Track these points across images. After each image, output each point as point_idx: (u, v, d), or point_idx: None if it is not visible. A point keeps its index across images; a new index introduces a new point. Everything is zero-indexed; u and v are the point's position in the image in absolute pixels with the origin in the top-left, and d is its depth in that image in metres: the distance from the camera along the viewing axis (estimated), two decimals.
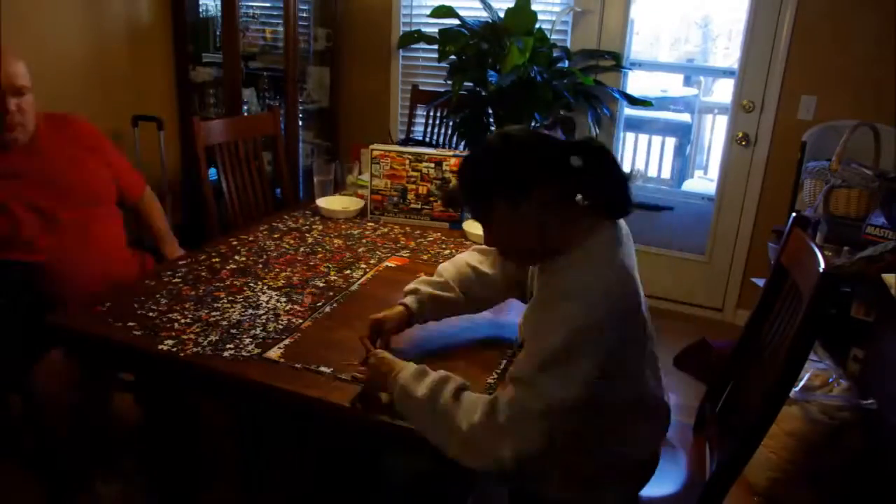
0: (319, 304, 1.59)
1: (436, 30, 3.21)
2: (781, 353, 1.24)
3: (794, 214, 1.50)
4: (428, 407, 1.16)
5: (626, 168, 1.23)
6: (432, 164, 2.13)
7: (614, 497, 1.32)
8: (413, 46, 3.51)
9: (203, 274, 1.73)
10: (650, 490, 1.39)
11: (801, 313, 1.21)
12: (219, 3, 3.21)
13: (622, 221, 1.25)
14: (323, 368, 1.31)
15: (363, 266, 1.83)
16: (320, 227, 2.14)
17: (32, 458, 1.94)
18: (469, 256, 1.52)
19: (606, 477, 1.29)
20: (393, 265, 1.85)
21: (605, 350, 1.11)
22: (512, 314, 1.58)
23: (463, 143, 3.16)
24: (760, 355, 1.45)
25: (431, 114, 3.37)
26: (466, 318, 1.54)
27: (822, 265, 1.20)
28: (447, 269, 1.50)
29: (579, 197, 1.21)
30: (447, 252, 1.98)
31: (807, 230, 1.46)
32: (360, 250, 1.96)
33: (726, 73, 3.52)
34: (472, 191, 1.24)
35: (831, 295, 1.17)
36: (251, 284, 1.68)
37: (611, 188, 1.21)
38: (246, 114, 3.29)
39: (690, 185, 4.74)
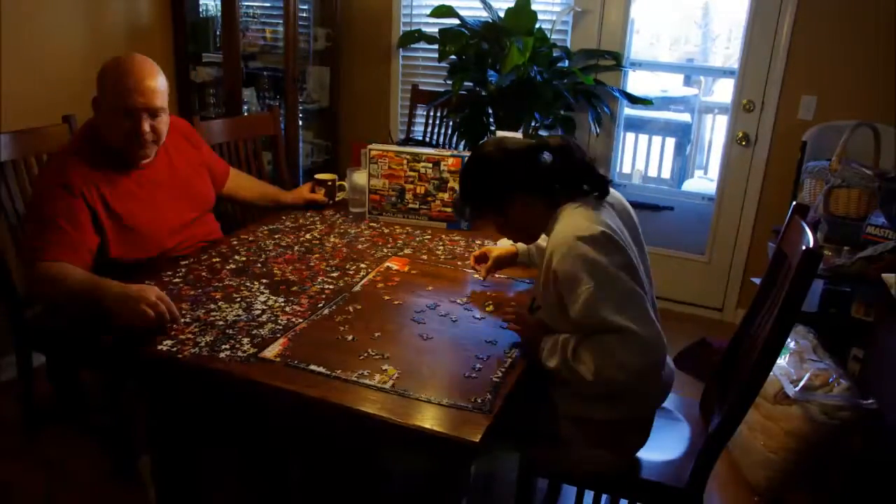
0: (319, 304, 1.59)
1: (436, 30, 3.21)
2: (769, 325, 1.34)
3: (794, 203, 1.58)
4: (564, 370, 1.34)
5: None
6: (430, 164, 2.13)
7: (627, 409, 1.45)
8: (413, 46, 3.52)
9: (203, 274, 1.73)
10: (658, 455, 1.52)
11: (786, 285, 1.31)
12: (219, 3, 3.21)
13: (615, 197, 1.49)
14: (323, 368, 1.31)
15: (363, 266, 1.83)
16: (320, 227, 2.14)
17: (101, 430, 2.13)
18: None
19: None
20: (394, 266, 1.85)
21: (606, 264, 1.28)
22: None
23: (463, 143, 3.16)
24: (757, 334, 1.51)
25: (431, 114, 3.37)
26: (468, 318, 1.54)
27: (812, 242, 1.30)
28: None
29: (557, 186, 1.43)
30: (446, 252, 1.98)
31: (805, 217, 1.53)
32: (359, 250, 1.96)
33: (726, 73, 3.52)
34: (466, 209, 1.58)
35: (814, 268, 1.28)
36: (251, 284, 1.68)
37: (580, 174, 1.43)
38: (246, 114, 3.29)
39: (690, 185, 4.74)
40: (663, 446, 1.57)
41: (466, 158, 1.50)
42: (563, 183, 1.42)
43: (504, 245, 1.79)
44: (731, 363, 1.66)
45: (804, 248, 1.28)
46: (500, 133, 1.56)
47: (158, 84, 1.72)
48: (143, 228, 1.77)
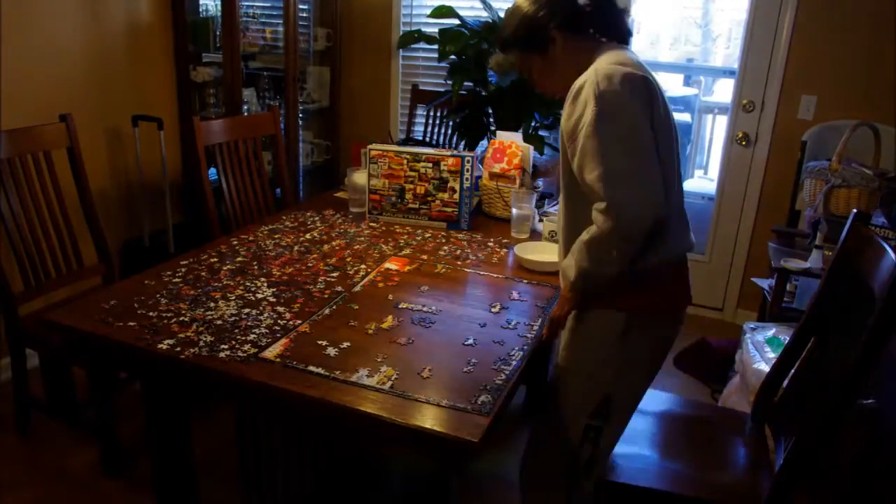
0: (319, 304, 1.59)
1: (436, 30, 3.20)
2: (854, 351, 1.27)
3: (854, 210, 1.56)
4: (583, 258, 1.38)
5: None
6: (430, 164, 2.13)
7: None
8: (413, 46, 3.51)
9: (203, 274, 1.73)
10: (716, 476, 1.50)
11: (875, 311, 1.24)
12: (219, 3, 3.20)
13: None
14: (322, 369, 1.31)
15: (363, 266, 1.83)
16: (320, 227, 2.14)
17: (93, 428, 2.13)
18: None
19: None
20: (394, 266, 1.85)
21: (631, 113, 1.30)
22: (512, 313, 1.58)
23: (463, 143, 3.16)
24: (824, 348, 1.48)
25: (431, 114, 3.37)
26: (468, 319, 1.54)
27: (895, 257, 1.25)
28: None
29: (591, 31, 1.45)
30: (446, 252, 1.98)
31: (867, 225, 1.53)
32: (359, 250, 1.96)
33: (726, 72, 3.53)
34: (511, 52, 1.52)
35: None
36: (251, 284, 1.68)
37: (614, 19, 1.47)
38: (246, 114, 3.29)
39: (690, 185, 4.73)
40: (718, 461, 1.56)
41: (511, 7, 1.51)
42: (597, 26, 1.45)
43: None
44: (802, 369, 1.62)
45: (892, 266, 1.22)
46: None
47: None
48: None
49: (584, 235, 1.36)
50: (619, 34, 1.48)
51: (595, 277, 1.38)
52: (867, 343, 1.24)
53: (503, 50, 1.55)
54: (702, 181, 4.77)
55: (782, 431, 1.56)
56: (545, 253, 1.92)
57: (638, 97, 1.32)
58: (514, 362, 1.37)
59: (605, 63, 1.35)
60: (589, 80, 1.33)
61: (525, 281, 1.79)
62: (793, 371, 1.64)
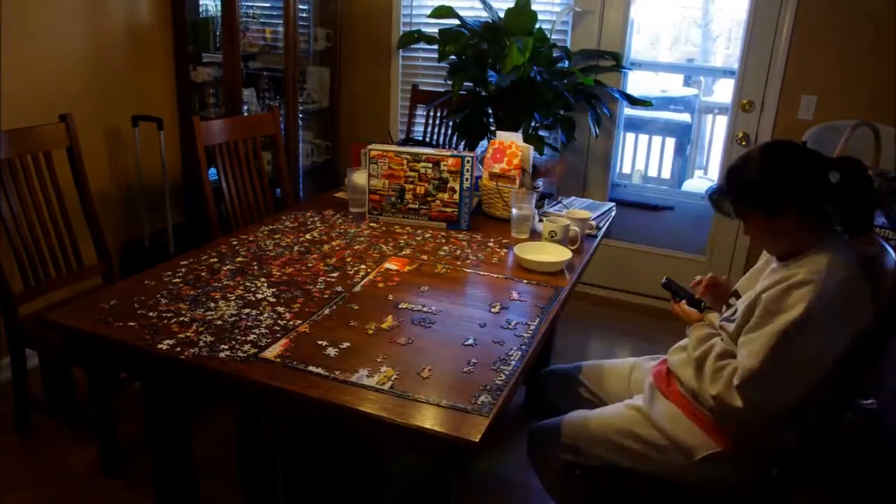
0: (319, 304, 1.59)
1: (436, 30, 3.21)
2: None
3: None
4: (696, 364, 1.46)
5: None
6: (430, 164, 2.13)
7: None
8: (413, 46, 3.51)
9: (203, 274, 1.73)
10: None
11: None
12: (219, 3, 3.20)
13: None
14: (322, 370, 1.31)
15: (363, 266, 1.83)
16: (320, 227, 2.14)
17: (93, 427, 2.14)
18: None
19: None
20: (394, 266, 1.85)
21: (831, 335, 1.28)
22: (512, 313, 1.58)
23: (463, 143, 3.16)
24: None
25: (431, 114, 3.37)
26: (467, 319, 1.54)
27: None
28: None
29: (829, 209, 1.35)
30: (446, 252, 1.98)
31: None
32: (359, 250, 1.96)
33: (726, 73, 3.53)
34: (734, 200, 1.44)
35: None
36: (251, 284, 1.68)
37: (860, 205, 1.35)
38: (246, 114, 3.29)
39: (690, 185, 4.74)
40: None
41: (753, 152, 1.40)
42: (838, 206, 1.35)
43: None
44: None
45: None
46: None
47: None
48: None
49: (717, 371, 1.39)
50: (857, 227, 1.39)
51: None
52: (868, 342, 1.24)
53: (732, 191, 1.44)
54: (702, 181, 4.77)
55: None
56: (545, 253, 1.92)
57: (847, 320, 1.30)
58: (513, 362, 1.37)
59: (836, 268, 1.30)
60: (814, 282, 1.29)
61: (525, 281, 1.79)
62: None
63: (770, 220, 1.38)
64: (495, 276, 1.82)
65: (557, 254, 1.91)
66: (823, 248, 1.34)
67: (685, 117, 4.95)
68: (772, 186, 1.36)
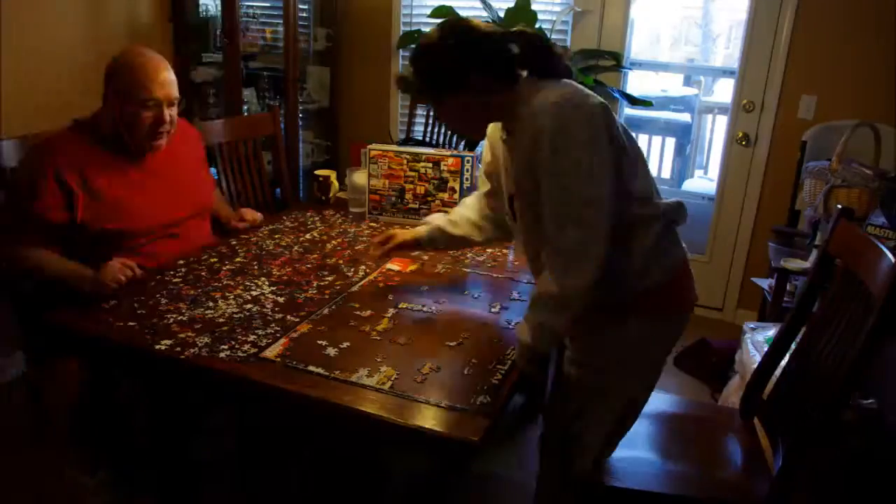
0: (319, 304, 1.59)
1: None
2: (850, 351, 1.28)
3: (838, 206, 1.55)
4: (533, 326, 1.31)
5: None
6: (430, 164, 2.13)
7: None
8: (413, 46, 3.51)
9: (203, 274, 1.73)
10: (709, 470, 1.49)
11: (874, 311, 1.23)
12: (219, 3, 3.21)
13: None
14: (321, 370, 1.31)
15: (363, 266, 1.83)
16: (320, 227, 2.14)
17: (93, 426, 2.06)
18: (473, 198, 1.72)
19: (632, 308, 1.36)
20: (394, 267, 1.85)
21: (595, 139, 1.20)
22: (512, 313, 1.58)
23: (463, 143, 3.16)
24: (816, 347, 1.47)
25: (431, 114, 3.37)
26: (467, 319, 1.54)
27: (893, 259, 1.23)
28: (457, 209, 1.73)
29: (524, 73, 1.33)
30: (447, 252, 1.97)
31: (851, 221, 1.52)
32: (359, 250, 1.96)
33: (726, 73, 3.53)
34: (417, 85, 1.38)
35: None
36: (250, 284, 1.68)
37: (549, 64, 1.33)
38: (246, 114, 3.29)
39: (690, 185, 4.74)
40: (710, 460, 1.54)
41: (429, 32, 1.35)
42: (530, 68, 1.33)
43: (412, 231, 1.73)
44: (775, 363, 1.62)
45: (889, 267, 1.22)
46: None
47: (173, 75, 1.78)
48: (126, 214, 1.77)
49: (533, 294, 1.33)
50: (548, 71, 1.33)
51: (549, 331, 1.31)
52: (864, 343, 1.24)
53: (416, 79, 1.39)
54: (702, 181, 4.77)
55: (778, 430, 1.55)
56: None
57: (595, 126, 1.22)
58: (512, 362, 1.37)
59: (551, 96, 1.24)
60: (538, 114, 1.23)
61: (525, 281, 1.78)
62: (782, 367, 1.64)
63: (455, 96, 1.34)
64: (495, 276, 1.82)
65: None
66: (528, 93, 1.28)
67: (685, 117, 4.95)
68: (447, 66, 1.31)
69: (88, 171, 1.73)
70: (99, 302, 1.54)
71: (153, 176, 1.84)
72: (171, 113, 1.77)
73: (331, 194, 2.39)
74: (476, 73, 1.31)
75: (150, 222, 1.81)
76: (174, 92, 1.76)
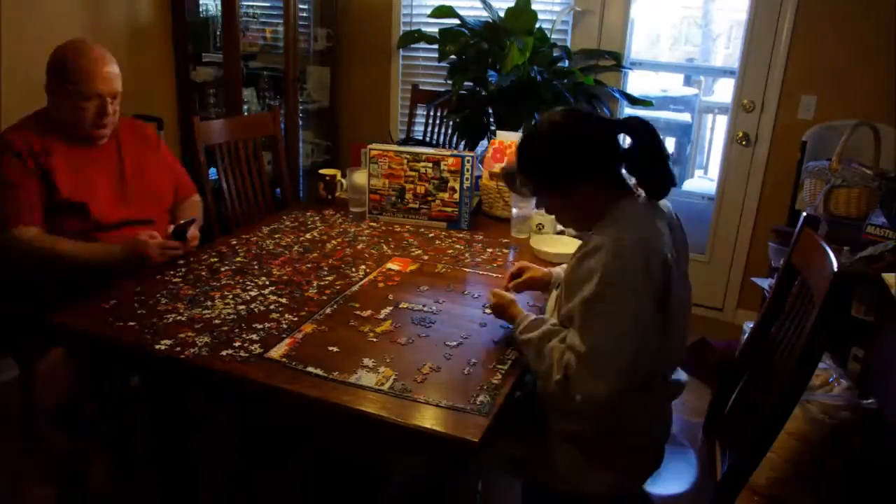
0: (319, 304, 1.59)
1: (436, 30, 3.21)
2: (793, 354, 1.26)
3: (804, 214, 1.53)
4: (536, 349, 1.31)
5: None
6: (430, 164, 2.13)
7: (613, 477, 1.35)
8: (413, 46, 3.51)
9: (203, 274, 1.73)
10: (660, 488, 1.42)
11: (813, 314, 1.22)
12: (219, 3, 3.21)
13: (664, 203, 1.35)
14: (321, 370, 1.31)
15: (363, 266, 1.83)
16: (320, 227, 2.14)
17: (92, 427, 2.08)
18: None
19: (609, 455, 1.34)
20: (394, 267, 1.85)
21: (635, 294, 1.19)
22: None
23: (463, 143, 3.16)
24: (771, 357, 1.45)
25: (431, 113, 3.37)
26: (468, 319, 1.54)
27: (835, 266, 1.22)
28: None
29: (625, 174, 1.32)
30: (446, 252, 1.98)
31: (817, 229, 1.49)
32: (359, 250, 1.96)
33: (726, 72, 3.52)
34: (525, 180, 1.39)
35: (844, 296, 1.19)
36: (250, 284, 1.68)
37: (654, 165, 1.30)
38: (246, 114, 3.29)
39: (690, 185, 4.74)
40: (669, 478, 1.48)
41: (539, 128, 1.35)
42: (633, 170, 1.31)
43: (545, 270, 1.65)
44: (748, 382, 1.56)
45: (830, 273, 1.19)
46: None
47: (116, 69, 1.86)
48: (87, 190, 1.86)
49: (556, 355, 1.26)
50: (656, 187, 1.31)
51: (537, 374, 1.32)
52: (805, 346, 1.21)
53: (522, 174, 1.40)
54: (702, 181, 4.77)
55: (728, 444, 1.51)
56: (560, 245, 1.93)
57: (649, 277, 1.21)
58: (512, 362, 1.37)
59: (625, 231, 1.23)
60: (605, 246, 1.22)
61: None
62: (741, 383, 1.59)
63: (566, 197, 1.34)
64: (495, 276, 1.82)
65: (572, 245, 1.91)
66: (617, 212, 1.28)
67: (685, 117, 4.95)
68: (562, 166, 1.31)
69: (47, 151, 1.82)
70: (99, 301, 1.54)
71: (108, 161, 1.93)
72: (113, 107, 1.85)
73: (337, 193, 2.41)
74: (587, 178, 1.30)
75: (110, 200, 1.89)
76: (117, 86, 1.84)
